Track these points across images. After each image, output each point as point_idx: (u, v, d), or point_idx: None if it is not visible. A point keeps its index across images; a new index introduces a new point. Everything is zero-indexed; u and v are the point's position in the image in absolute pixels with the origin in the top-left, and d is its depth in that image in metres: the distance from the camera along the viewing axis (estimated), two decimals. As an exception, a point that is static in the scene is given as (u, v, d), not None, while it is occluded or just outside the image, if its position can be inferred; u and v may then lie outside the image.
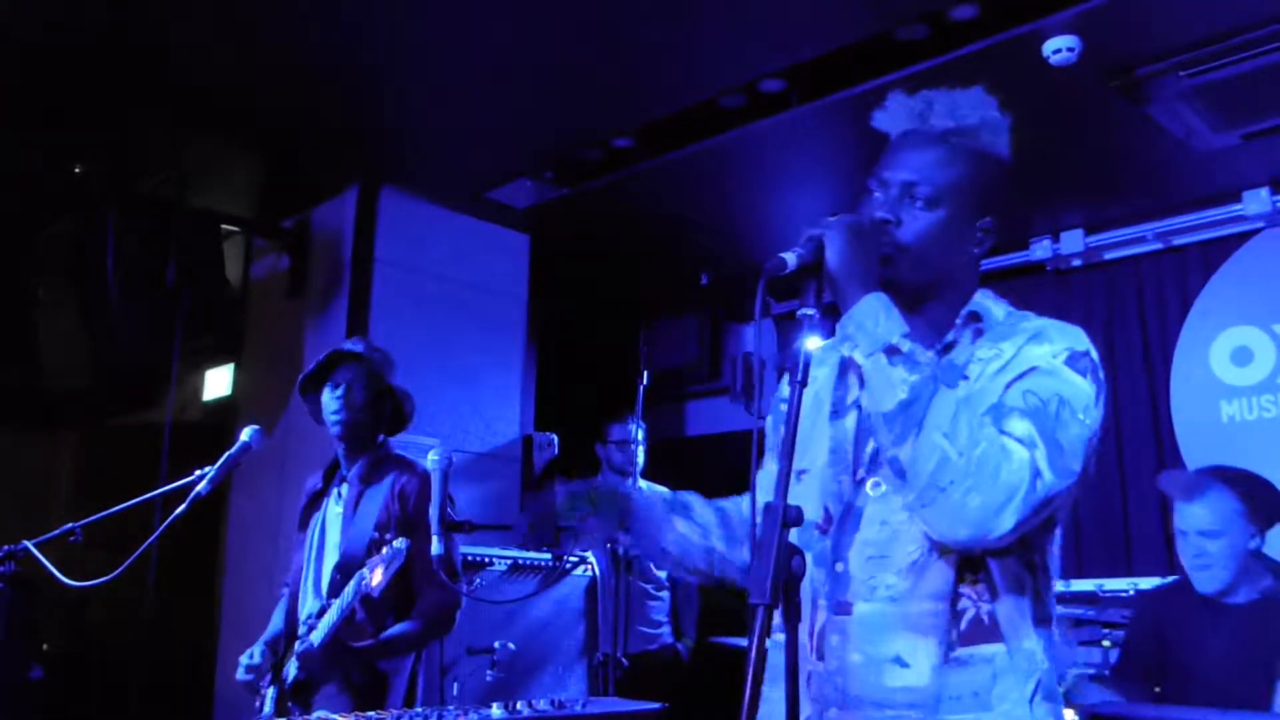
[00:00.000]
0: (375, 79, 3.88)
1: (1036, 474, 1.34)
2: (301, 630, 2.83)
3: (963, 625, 1.44)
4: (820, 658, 1.48)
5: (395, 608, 2.83)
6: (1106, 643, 3.55)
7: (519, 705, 2.50)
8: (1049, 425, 1.38)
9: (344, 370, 3.01)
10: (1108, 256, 5.21)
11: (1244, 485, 2.91)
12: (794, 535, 1.50)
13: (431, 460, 2.56)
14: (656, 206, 4.97)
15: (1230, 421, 4.81)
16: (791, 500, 1.54)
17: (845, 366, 1.63)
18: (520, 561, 4.00)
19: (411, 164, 4.63)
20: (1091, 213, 5.06)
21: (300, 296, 4.93)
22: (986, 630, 1.44)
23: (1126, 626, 3.34)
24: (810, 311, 1.45)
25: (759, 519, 1.34)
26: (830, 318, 1.48)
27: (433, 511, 2.50)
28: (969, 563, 1.44)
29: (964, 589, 1.44)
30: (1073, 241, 5.21)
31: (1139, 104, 3.88)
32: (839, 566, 1.50)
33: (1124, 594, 3.88)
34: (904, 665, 1.43)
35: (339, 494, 3.03)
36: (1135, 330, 5.09)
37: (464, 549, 3.55)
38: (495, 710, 2.44)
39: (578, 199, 4.90)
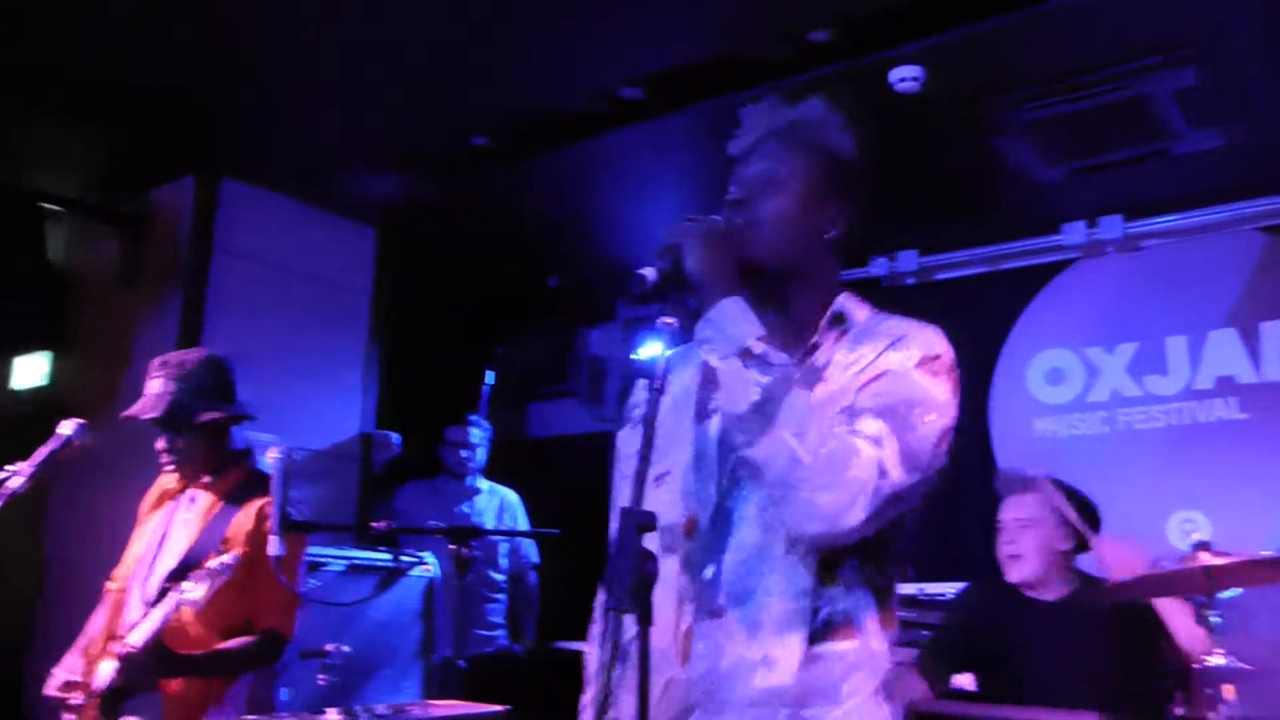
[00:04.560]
0: (221, 64, 3.73)
1: (883, 472, 1.40)
2: (123, 634, 2.68)
3: (820, 623, 1.48)
4: (685, 662, 1.49)
5: (232, 620, 2.73)
6: (926, 643, 3.72)
7: (357, 710, 2.45)
8: (898, 426, 1.44)
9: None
10: (939, 277, 5.48)
11: (1067, 492, 3.12)
12: (657, 539, 1.50)
13: (272, 458, 2.48)
14: (510, 206, 4.94)
15: (1042, 437, 5.14)
16: (654, 503, 1.53)
17: (710, 370, 1.66)
18: (358, 562, 3.91)
19: (256, 151, 4.46)
20: (927, 234, 5.32)
21: (133, 285, 4.67)
22: (840, 628, 1.49)
23: (944, 624, 3.53)
24: (671, 320, 1.48)
25: (616, 523, 1.35)
26: (691, 322, 1.50)
27: (273, 511, 2.42)
28: (828, 562, 1.48)
29: (824, 588, 1.49)
30: (908, 261, 5.47)
31: (977, 134, 4.10)
32: (709, 571, 1.51)
33: (943, 597, 4.08)
34: (771, 665, 1.46)
35: (192, 498, 2.90)
36: (960, 348, 5.34)
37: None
38: (331, 715, 2.38)
39: (430, 195, 4.83)
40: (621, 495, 1.74)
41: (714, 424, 1.60)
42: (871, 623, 1.51)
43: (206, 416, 2.80)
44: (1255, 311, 4.69)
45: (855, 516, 1.39)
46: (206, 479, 2.88)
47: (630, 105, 4.02)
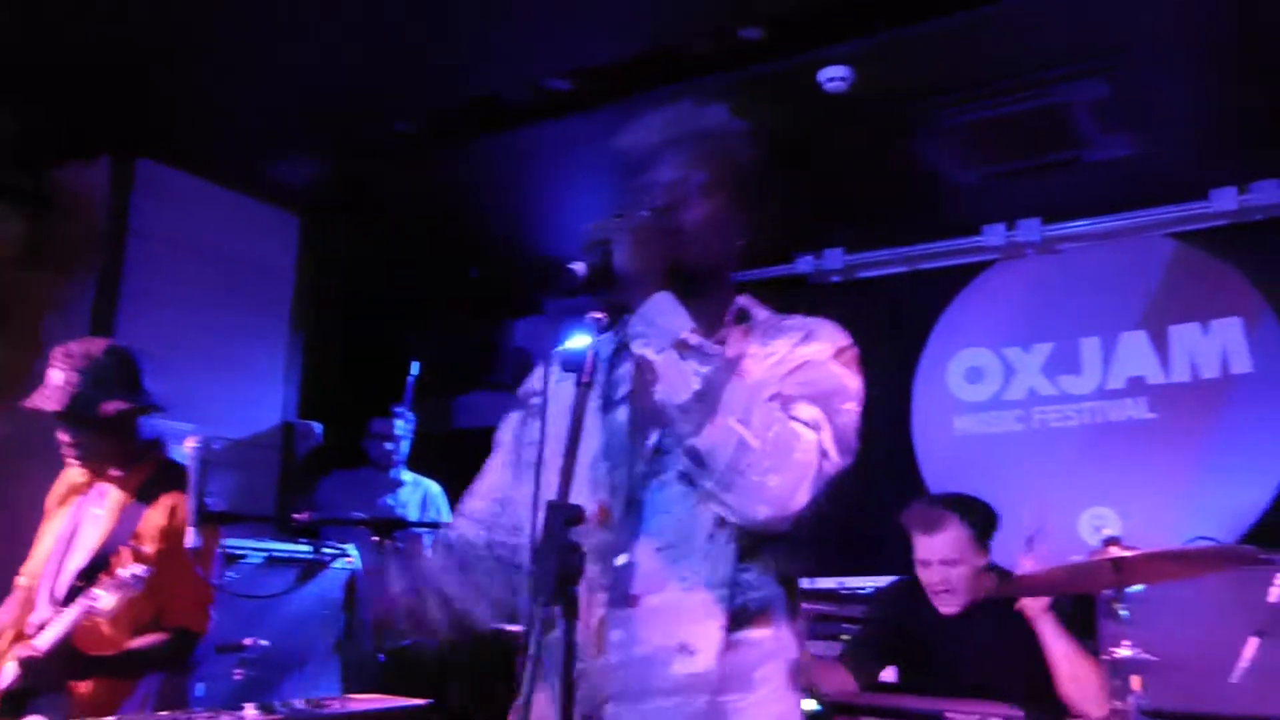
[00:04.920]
0: (139, 41, 3.63)
1: (824, 454, 1.46)
2: (30, 633, 2.61)
3: (737, 610, 1.51)
4: (599, 653, 1.49)
5: (142, 616, 2.66)
6: (845, 637, 3.79)
7: (275, 705, 2.41)
8: (829, 412, 1.50)
9: None
10: (863, 275, 5.57)
11: (970, 514, 3.20)
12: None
13: (189, 448, 2.41)
14: (436, 195, 4.89)
15: (962, 434, 5.25)
16: (554, 493, 1.59)
17: (615, 361, 1.67)
18: (277, 555, 3.84)
19: (176, 133, 4.34)
20: (852, 232, 5.40)
21: (41, 267, 4.52)
22: (756, 615, 1.52)
23: (867, 611, 3.60)
24: (599, 315, 1.48)
25: (540, 517, 1.34)
26: (617, 316, 1.51)
27: (190, 502, 2.37)
28: (746, 550, 1.52)
29: (742, 576, 1.52)
30: (833, 259, 5.54)
31: (902, 136, 4.18)
32: (622, 559, 1.52)
33: (862, 591, 4.16)
34: (691, 652, 1.48)
35: (101, 492, 2.81)
36: (883, 345, 5.45)
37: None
38: (249, 711, 2.34)
39: (356, 182, 4.76)
40: (499, 479, 1.79)
41: (622, 414, 1.62)
42: (782, 611, 1.56)
43: (110, 408, 2.71)
44: (1164, 315, 4.86)
45: (801, 499, 1.43)
46: (116, 472, 2.80)
47: (558, 97, 4.00)
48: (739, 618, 1.51)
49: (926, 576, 3.17)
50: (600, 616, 1.51)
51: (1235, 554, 3.07)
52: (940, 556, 3.14)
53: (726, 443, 1.41)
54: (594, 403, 1.63)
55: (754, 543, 1.52)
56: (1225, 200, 4.70)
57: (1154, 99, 3.95)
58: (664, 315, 1.47)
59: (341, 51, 3.71)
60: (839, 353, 1.60)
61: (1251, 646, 2.92)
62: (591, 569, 1.51)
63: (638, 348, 1.48)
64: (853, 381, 1.58)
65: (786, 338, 1.62)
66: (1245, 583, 3.26)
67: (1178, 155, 4.41)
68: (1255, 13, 3.40)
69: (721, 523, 1.51)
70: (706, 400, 1.42)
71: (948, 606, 3.14)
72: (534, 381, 1.78)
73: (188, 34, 3.59)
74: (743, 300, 1.71)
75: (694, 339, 1.46)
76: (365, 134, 4.37)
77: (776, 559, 1.56)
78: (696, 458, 1.44)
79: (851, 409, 1.55)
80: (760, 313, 1.71)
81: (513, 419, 1.81)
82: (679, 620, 1.49)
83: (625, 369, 1.65)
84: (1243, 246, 4.72)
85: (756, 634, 1.52)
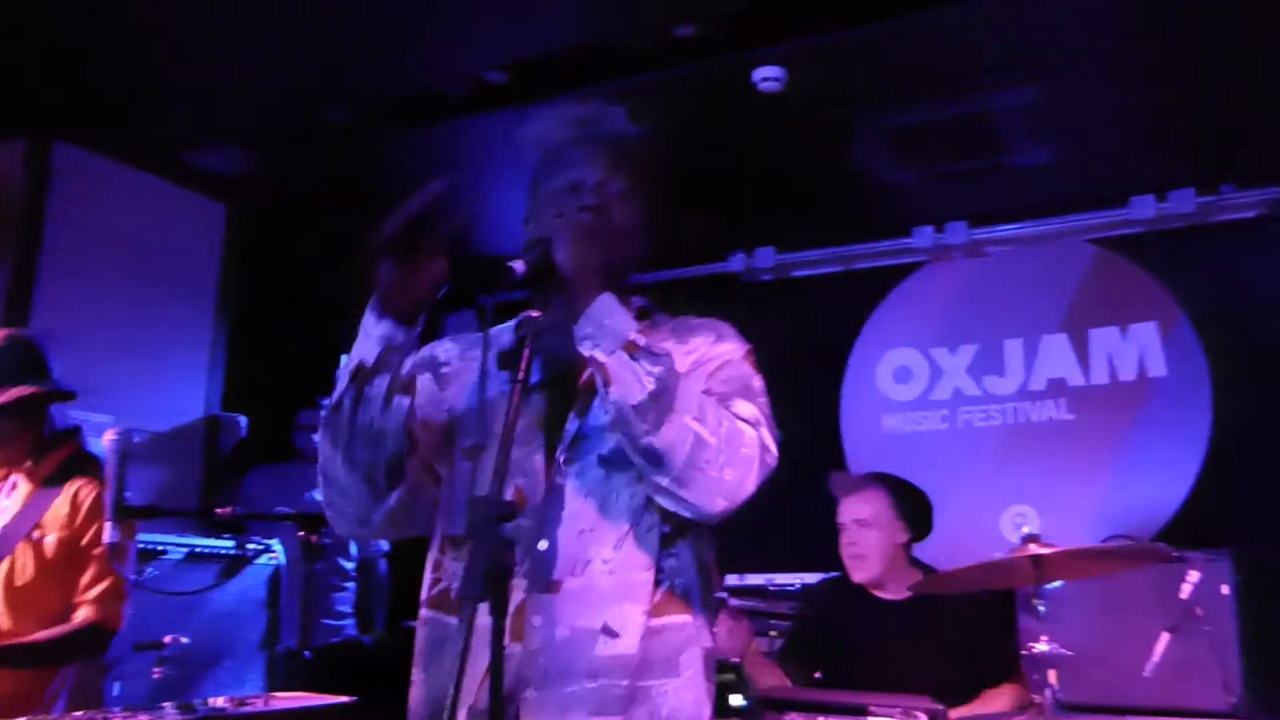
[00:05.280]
0: (58, 21, 3.51)
1: (765, 448, 1.52)
2: None
3: (660, 595, 1.53)
4: (518, 639, 1.49)
5: (48, 608, 2.59)
6: (774, 633, 3.83)
7: (195, 704, 2.35)
8: (759, 407, 1.56)
9: None
10: (795, 274, 5.62)
11: (899, 489, 3.25)
12: (465, 513, 1.51)
13: (107, 439, 2.36)
14: (368, 186, 4.80)
15: (889, 433, 5.34)
16: (467, 478, 1.60)
17: (522, 349, 1.66)
18: (199, 550, 3.76)
19: (97, 117, 4.21)
20: (784, 232, 5.44)
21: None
22: (678, 601, 1.55)
23: (794, 615, 3.64)
24: (535, 314, 1.48)
25: (468, 511, 1.34)
26: (553, 315, 1.50)
27: (107, 496, 2.32)
28: (669, 537, 1.55)
29: (665, 561, 1.55)
30: (765, 258, 5.59)
31: (835, 137, 4.22)
32: (542, 544, 1.53)
33: (791, 588, 4.21)
34: (614, 635, 1.49)
35: (14, 484, 2.72)
36: (814, 344, 5.52)
37: (139, 536, 3.29)
38: (169, 710, 2.28)
39: (286, 171, 4.67)
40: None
41: (536, 400, 1.62)
42: (700, 597, 1.59)
43: (9, 395, 2.63)
44: (1085, 319, 4.98)
45: (749, 489, 1.49)
46: (28, 464, 2.72)
47: (495, 90, 3.97)
48: (662, 602, 1.53)
49: (842, 542, 3.22)
50: (520, 601, 1.50)
51: (1149, 552, 3.17)
52: (854, 516, 3.19)
53: (684, 440, 1.44)
54: (505, 387, 1.60)
55: (677, 528, 1.56)
56: (1144, 208, 4.83)
57: (1078, 108, 4.05)
58: (612, 317, 1.48)
59: (271, 38, 3.63)
60: (748, 354, 1.66)
61: (1163, 641, 3.02)
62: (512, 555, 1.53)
63: (587, 349, 1.48)
64: (759, 382, 1.64)
65: (701, 337, 1.66)
66: (1159, 580, 3.37)
67: (1100, 163, 4.54)
68: (1174, 30, 3.51)
69: (646, 508, 1.54)
70: (661, 400, 1.44)
71: (857, 573, 3.18)
72: (444, 351, 1.76)
73: (108, 13, 3.49)
74: (638, 300, 1.73)
75: (642, 340, 1.47)
76: (295, 122, 4.29)
77: (697, 546, 1.60)
78: (653, 456, 1.45)
79: (764, 406, 1.60)
80: (658, 313, 1.75)
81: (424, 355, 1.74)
82: (601, 603, 1.50)
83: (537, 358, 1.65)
84: (1160, 253, 4.86)
85: (679, 619, 1.54)
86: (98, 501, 2.61)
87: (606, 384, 1.46)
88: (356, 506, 1.60)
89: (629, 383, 1.44)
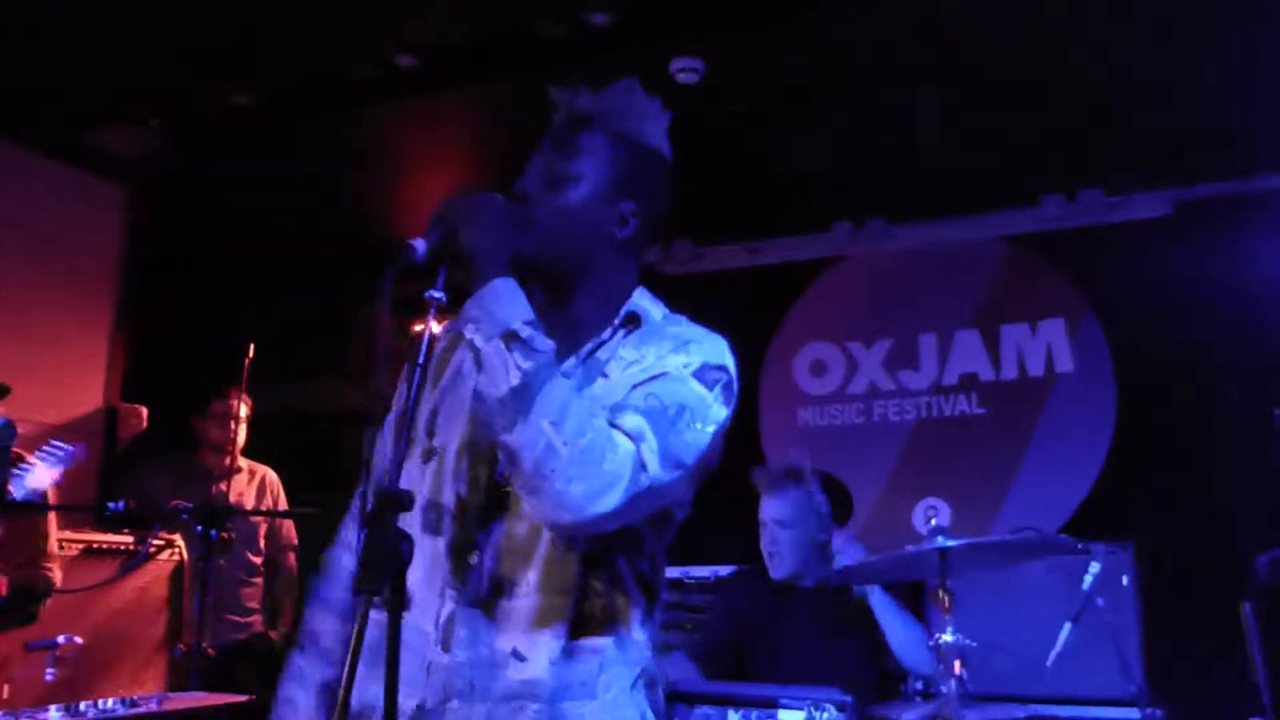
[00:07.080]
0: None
1: (641, 466, 1.38)
2: None
3: (579, 617, 1.46)
4: (446, 649, 1.45)
5: None
6: (689, 625, 3.83)
7: (83, 706, 2.26)
8: (663, 426, 1.42)
9: None
10: (713, 267, 5.63)
11: (821, 486, 3.28)
12: (419, 518, 1.49)
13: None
14: (275, 171, 4.70)
15: (805, 426, 5.38)
16: (424, 482, 1.54)
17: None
18: (96, 545, 3.63)
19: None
20: (703, 225, 5.44)
21: None
22: (598, 623, 1.47)
23: (707, 606, 3.64)
24: (438, 295, 1.42)
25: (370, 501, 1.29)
26: (461, 298, 1.45)
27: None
28: (593, 556, 1.47)
29: (587, 581, 1.47)
30: (682, 250, 5.58)
31: (755, 130, 4.23)
32: (473, 558, 1.48)
33: (707, 580, 4.21)
34: (522, 659, 1.44)
35: None
36: (731, 337, 5.51)
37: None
38: (53, 713, 2.19)
39: (190, 155, 4.53)
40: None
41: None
42: (634, 616, 1.51)
43: None
44: (996, 314, 5.08)
45: (605, 507, 1.36)
46: None
47: (406, 75, 3.88)
48: (580, 624, 1.46)
49: (763, 539, 3.24)
50: (450, 612, 1.46)
51: (1053, 544, 3.23)
52: (774, 516, 3.21)
53: (535, 443, 1.35)
54: (467, 391, 1.55)
55: (605, 547, 1.47)
56: (1054, 206, 4.94)
57: (992, 109, 4.12)
58: (499, 302, 1.41)
59: (174, 16, 3.50)
60: (707, 369, 1.51)
61: (1066, 631, 3.08)
62: (446, 563, 1.48)
63: (469, 333, 1.42)
64: (711, 401, 1.49)
65: (658, 345, 1.53)
66: (1062, 571, 3.44)
67: (1013, 162, 4.62)
68: (1078, 42, 3.59)
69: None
70: (523, 397, 1.36)
71: (775, 570, 3.21)
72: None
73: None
74: (638, 300, 1.62)
75: (525, 331, 1.39)
76: (197, 105, 4.16)
77: (630, 561, 1.51)
78: (508, 454, 1.39)
79: (700, 429, 1.47)
80: (655, 312, 1.62)
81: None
82: (515, 627, 1.45)
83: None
84: (1068, 250, 4.97)
85: (600, 640, 1.47)
86: None
87: (478, 370, 1.40)
88: None
89: (496, 373, 1.38)
